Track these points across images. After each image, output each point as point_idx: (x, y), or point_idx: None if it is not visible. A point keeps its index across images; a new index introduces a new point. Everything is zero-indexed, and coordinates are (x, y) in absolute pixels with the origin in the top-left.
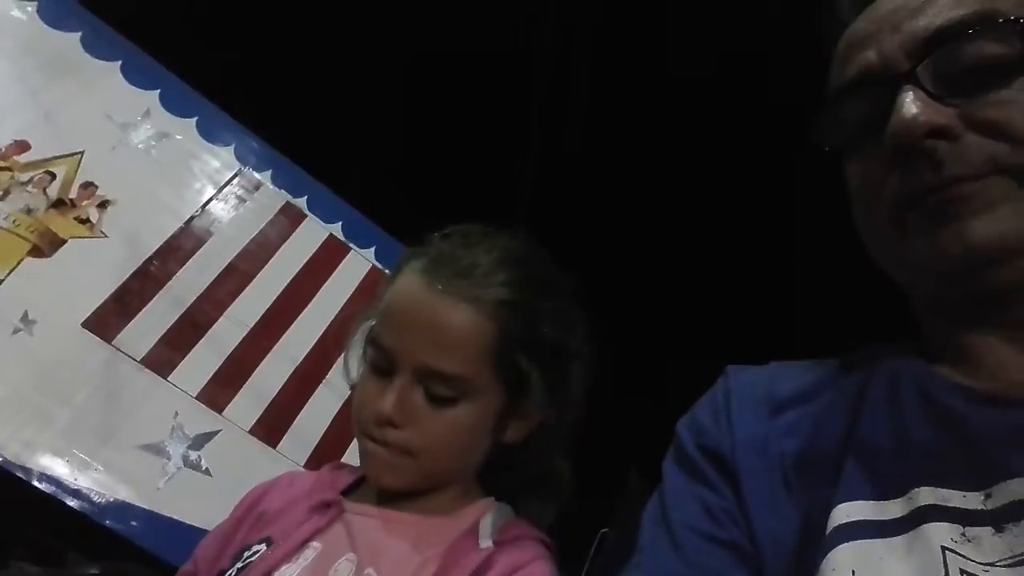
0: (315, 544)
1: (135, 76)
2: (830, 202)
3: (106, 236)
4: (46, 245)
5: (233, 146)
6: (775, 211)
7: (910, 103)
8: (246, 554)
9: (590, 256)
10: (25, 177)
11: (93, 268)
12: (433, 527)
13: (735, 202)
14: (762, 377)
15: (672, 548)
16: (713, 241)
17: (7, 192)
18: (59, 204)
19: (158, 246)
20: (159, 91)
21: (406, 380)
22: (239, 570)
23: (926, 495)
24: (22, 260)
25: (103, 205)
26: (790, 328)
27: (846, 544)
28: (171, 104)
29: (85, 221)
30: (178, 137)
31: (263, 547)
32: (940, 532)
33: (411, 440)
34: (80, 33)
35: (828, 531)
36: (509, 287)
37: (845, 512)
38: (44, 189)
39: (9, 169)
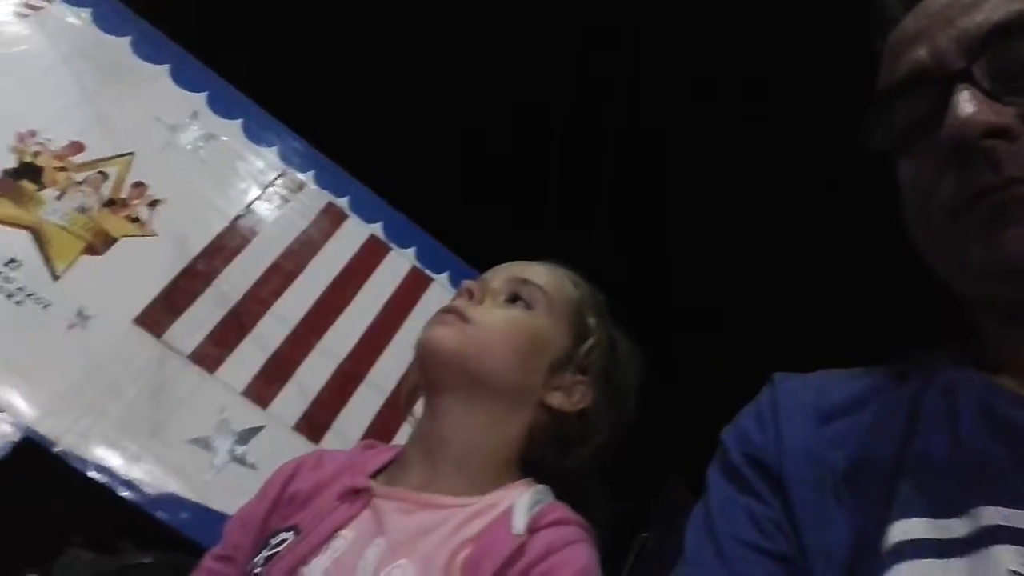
0: (344, 533)
1: (183, 79)
2: (876, 204)
3: (156, 235)
4: (99, 243)
5: (277, 147)
6: (820, 215)
7: (966, 102)
8: (272, 541)
9: (633, 258)
10: (80, 177)
11: (144, 266)
12: (466, 511)
13: (781, 205)
14: (809, 385)
15: (717, 559)
16: (760, 245)
17: (64, 192)
18: (111, 203)
19: (205, 245)
20: (206, 93)
21: (493, 285)
22: (267, 559)
23: (991, 515)
24: (78, 257)
25: (153, 204)
26: (838, 335)
27: (905, 563)
28: (218, 106)
29: (136, 220)
30: (224, 138)
31: (290, 535)
32: (1008, 555)
33: (475, 313)
34: (131, 37)
35: (885, 549)
36: (586, 283)
37: (903, 530)
38: (97, 189)
39: (65, 169)
